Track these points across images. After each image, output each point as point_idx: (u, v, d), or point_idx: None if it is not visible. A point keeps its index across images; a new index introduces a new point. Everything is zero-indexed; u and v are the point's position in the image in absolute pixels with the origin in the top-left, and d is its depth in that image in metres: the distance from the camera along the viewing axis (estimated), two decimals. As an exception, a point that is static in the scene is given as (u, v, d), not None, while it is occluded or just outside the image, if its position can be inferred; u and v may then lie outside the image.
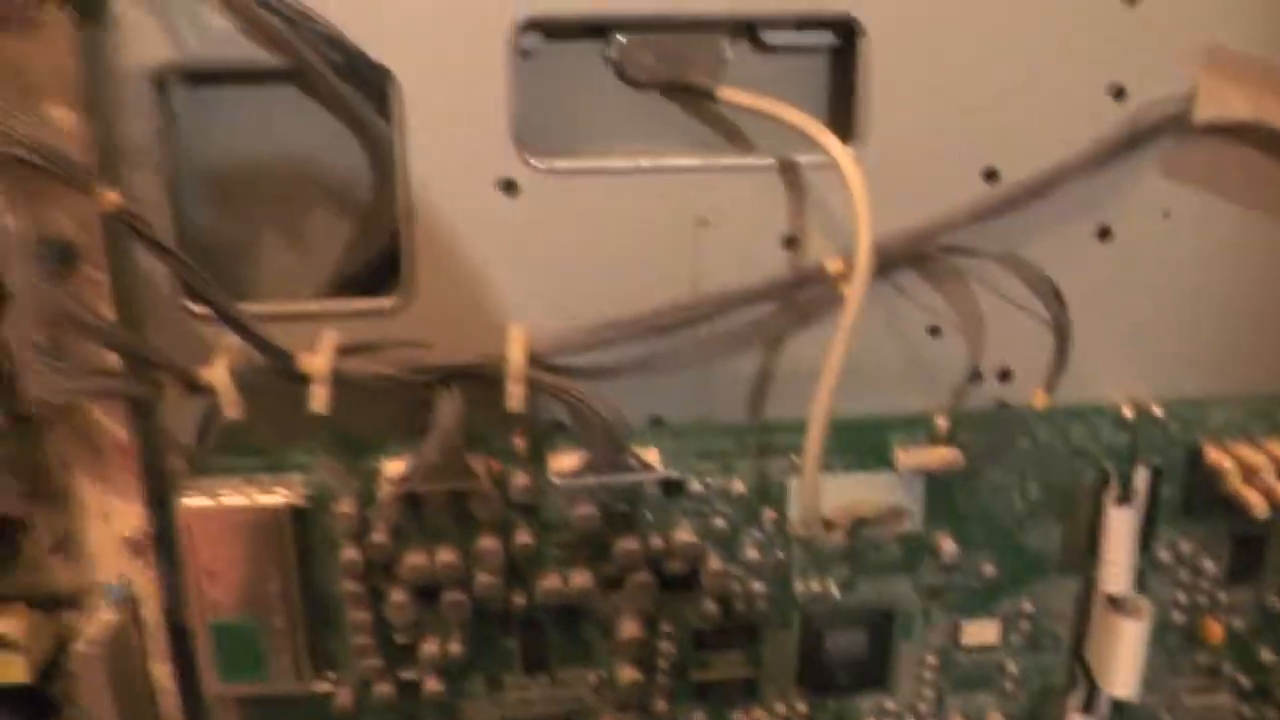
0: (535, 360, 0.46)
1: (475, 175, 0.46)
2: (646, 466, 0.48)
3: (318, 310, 0.47)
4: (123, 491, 0.47)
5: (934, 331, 0.50)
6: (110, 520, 0.47)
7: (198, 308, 0.46)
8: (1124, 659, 0.52)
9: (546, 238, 0.47)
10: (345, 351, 0.45)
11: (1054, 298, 0.45)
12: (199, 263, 0.41)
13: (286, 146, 0.48)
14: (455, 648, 0.50)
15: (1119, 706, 0.56)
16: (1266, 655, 0.57)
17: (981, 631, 0.54)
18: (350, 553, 0.48)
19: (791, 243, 0.48)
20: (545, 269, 0.47)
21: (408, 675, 0.51)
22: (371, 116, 0.47)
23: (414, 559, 0.48)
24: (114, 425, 0.46)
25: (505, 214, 0.46)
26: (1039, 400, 0.46)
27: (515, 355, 0.45)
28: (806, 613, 0.53)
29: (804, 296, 0.48)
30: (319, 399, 0.44)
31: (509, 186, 0.46)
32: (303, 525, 0.48)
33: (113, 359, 0.44)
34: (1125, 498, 0.50)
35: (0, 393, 0.42)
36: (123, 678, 0.48)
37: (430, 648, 0.50)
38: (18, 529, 0.47)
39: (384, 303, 0.47)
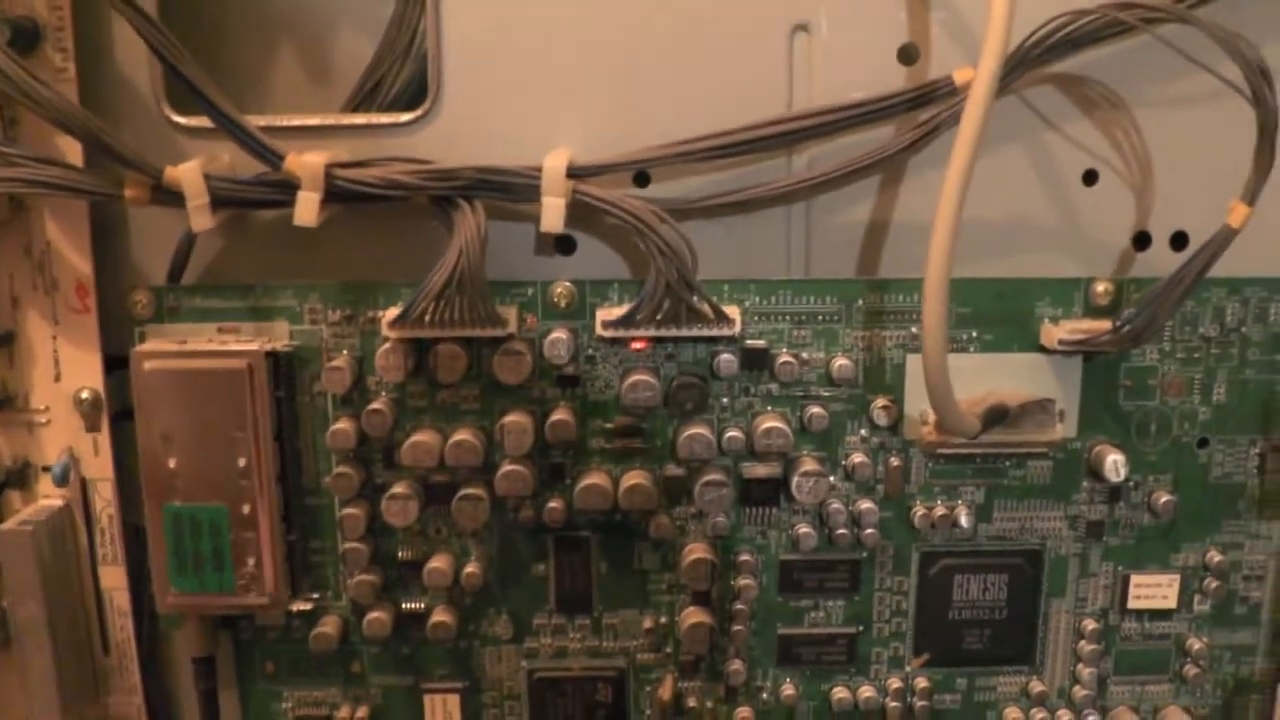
0: (579, 175, 0.36)
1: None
2: (722, 317, 0.37)
3: (327, 124, 0.39)
4: (79, 338, 0.39)
5: (1090, 177, 0.40)
6: (62, 376, 0.39)
7: (181, 118, 0.38)
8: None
9: (606, 39, 0.39)
10: (345, 165, 0.37)
11: (1263, 80, 0.34)
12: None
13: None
14: (471, 569, 0.40)
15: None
16: None
17: (1155, 590, 0.42)
18: (342, 425, 0.38)
19: (909, 55, 0.39)
20: (601, 76, 0.39)
21: (411, 605, 0.40)
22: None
23: (421, 438, 0.38)
24: (74, 254, 0.38)
25: (557, 5, 0.38)
26: (1235, 216, 0.35)
27: (555, 163, 0.36)
28: (927, 548, 0.41)
29: (926, 118, 0.38)
30: (306, 208, 0.36)
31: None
32: (285, 389, 0.38)
33: (72, 153, 0.37)
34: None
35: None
36: (59, 574, 0.39)
37: (439, 565, 0.40)
38: (-51, 379, 0.38)
39: (403, 116, 0.39)
